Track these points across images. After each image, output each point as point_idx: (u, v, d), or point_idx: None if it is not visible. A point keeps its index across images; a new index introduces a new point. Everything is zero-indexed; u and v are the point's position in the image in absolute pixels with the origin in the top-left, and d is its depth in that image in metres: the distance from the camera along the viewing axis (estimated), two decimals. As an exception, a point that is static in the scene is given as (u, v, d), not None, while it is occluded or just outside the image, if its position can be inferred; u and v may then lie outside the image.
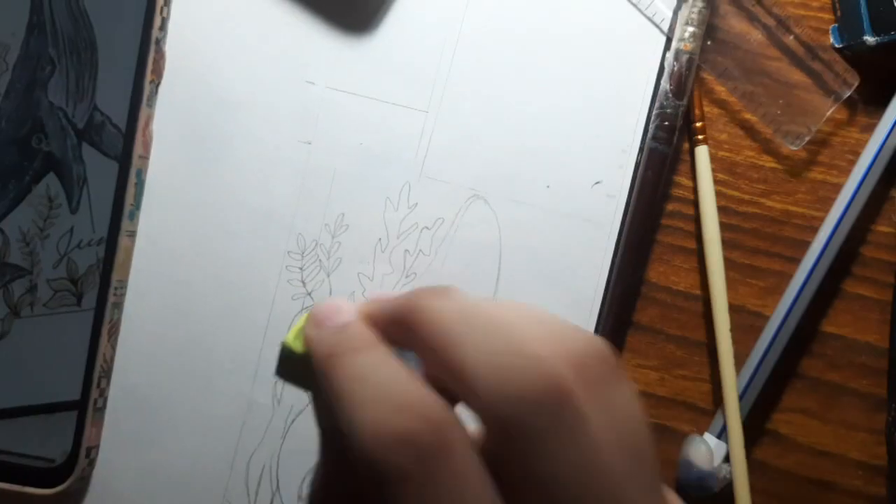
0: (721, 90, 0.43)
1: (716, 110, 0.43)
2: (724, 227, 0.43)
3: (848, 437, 0.42)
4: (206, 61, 0.42)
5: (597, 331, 0.42)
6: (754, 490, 0.40)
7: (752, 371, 0.41)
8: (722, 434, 0.41)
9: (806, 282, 0.41)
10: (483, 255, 0.42)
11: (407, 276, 0.42)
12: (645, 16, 0.42)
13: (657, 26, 0.42)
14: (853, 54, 0.42)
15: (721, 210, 0.43)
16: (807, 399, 0.43)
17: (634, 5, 0.42)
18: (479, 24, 0.42)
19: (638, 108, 0.42)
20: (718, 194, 0.43)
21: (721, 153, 0.43)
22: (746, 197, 0.43)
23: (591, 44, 0.42)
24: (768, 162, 0.43)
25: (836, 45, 0.42)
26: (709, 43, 0.42)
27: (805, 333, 0.43)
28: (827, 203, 0.43)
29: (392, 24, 0.42)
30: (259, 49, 0.42)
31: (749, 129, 0.43)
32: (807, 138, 0.42)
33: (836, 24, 0.42)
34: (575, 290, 0.42)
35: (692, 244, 0.43)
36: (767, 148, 0.43)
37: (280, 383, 0.42)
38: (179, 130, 0.42)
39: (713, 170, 0.42)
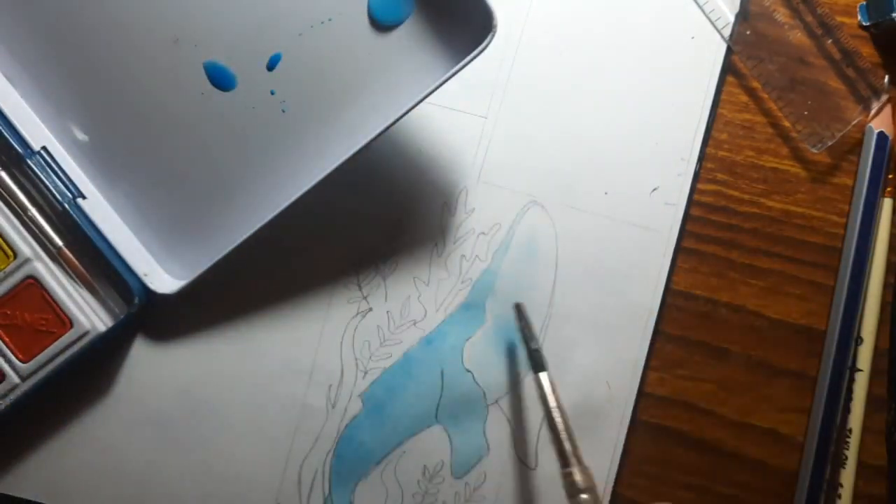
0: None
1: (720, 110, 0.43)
2: (724, 227, 0.43)
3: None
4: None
5: (653, 338, 0.42)
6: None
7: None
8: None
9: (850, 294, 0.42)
10: (540, 261, 0.42)
11: (463, 282, 0.43)
12: (709, 19, 0.42)
13: (719, 32, 0.42)
14: (880, 32, 0.43)
15: (721, 210, 0.43)
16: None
17: (700, 7, 0.42)
18: (539, 31, 0.43)
19: (697, 116, 0.42)
20: (718, 194, 0.43)
21: (721, 153, 0.43)
22: (746, 197, 0.43)
23: (650, 52, 0.43)
24: (768, 162, 0.43)
25: (864, 24, 0.43)
26: (748, 33, 0.42)
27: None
28: (827, 203, 0.43)
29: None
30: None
31: (750, 129, 0.43)
32: (829, 143, 0.42)
33: (864, 3, 0.43)
34: (631, 297, 0.42)
35: (692, 244, 0.43)
36: (766, 148, 0.43)
37: (334, 388, 0.42)
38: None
39: (712, 169, 0.43)
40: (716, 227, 0.43)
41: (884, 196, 0.42)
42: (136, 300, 0.40)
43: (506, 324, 0.42)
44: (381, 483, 0.42)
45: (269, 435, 0.42)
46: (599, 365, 0.42)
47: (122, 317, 0.41)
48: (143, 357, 0.42)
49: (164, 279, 0.41)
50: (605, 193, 0.42)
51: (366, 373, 0.42)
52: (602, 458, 0.42)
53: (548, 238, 0.42)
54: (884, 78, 0.42)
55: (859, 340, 0.42)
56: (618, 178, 0.42)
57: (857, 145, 0.43)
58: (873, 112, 0.42)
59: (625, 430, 0.42)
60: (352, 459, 0.42)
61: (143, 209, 0.41)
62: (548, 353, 0.42)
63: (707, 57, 0.43)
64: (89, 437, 0.42)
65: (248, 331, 0.42)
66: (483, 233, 0.43)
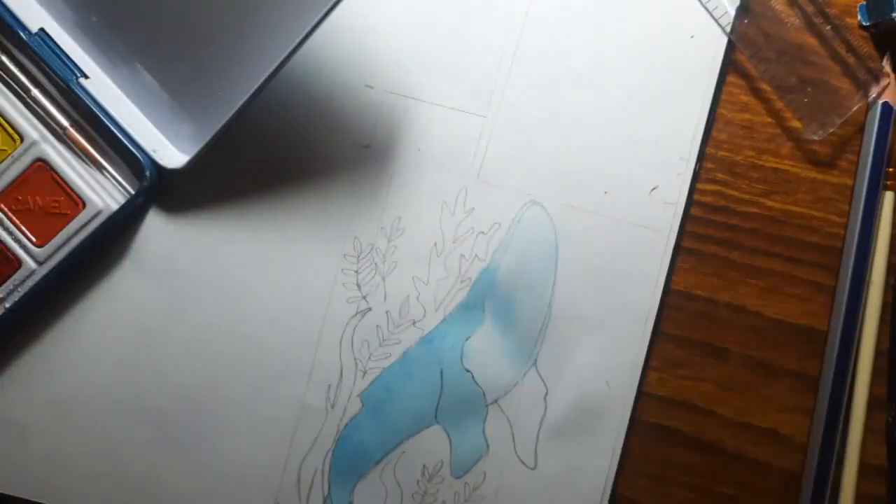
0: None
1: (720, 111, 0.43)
2: (724, 227, 0.43)
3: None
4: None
5: (653, 338, 0.42)
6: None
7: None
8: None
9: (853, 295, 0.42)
10: (539, 260, 0.42)
11: (462, 282, 0.42)
12: (711, 15, 0.42)
13: (717, 21, 0.42)
14: (880, 33, 0.43)
15: (721, 210, 0.43)
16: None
17: (703, 5, 0.42)
18: (538, 29, 0.43)
19: (697, 116, 0.42)
20: (718, 194, 0.43)
21: (721, 153, 0.43)
22: (746, 197, 0.43)
23: (650, 52, 0.43)
24: (768, 162, 0.43)
25: (864, 24, 0.43)
26: (745, 21, 0.42)
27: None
28: (827, 203, 0.43)
29: (451, 29, 0.42)
30: (319, 52, 0.42)
31: (750, 129, 0.43)
32: (830, 130, 0.42)
33: (864, 3, 0.43)
34: (631, 297, 0.42)
35: (692, 244, 0.43)
36: (766, 148, 0.43)
37: (334, 388, 0.42)
38: (238, 133, 0.42)
39: (712, 169, 0.43)
40: (716, 227, 0.43)
41: (885, 189, 0.42)
42: (147, 174, 0.39)
43: (505, 324, 0.42)
44: (381, 483, 0.42)
45: (269, 434, 0.42)
46: (599, 365, 0.42)
47: (133, 193, 0.40)
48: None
49: (173, 153, 0.40)
50: (605, 193, 0.42)
51: (365, 372, 0.42)
52: (602, 458, 0.42)
53: (547, 238, 0.42)
54: (882, 61, 0.42)
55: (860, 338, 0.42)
56: (617, 178, 0.42)
57: (857, 144, 0.43)
58: (873, 96, 0.42)
59: (625, 430, 0.42)
60: (351, 459, 0.42)
61: (145, 85, 0.41)
62: (547, 353, 0.42)
63: (707, 56, 0.43)
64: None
65: (246, 330, 0.42)
66: (482, 232, 0.42)
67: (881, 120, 0.42)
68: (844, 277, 0.42)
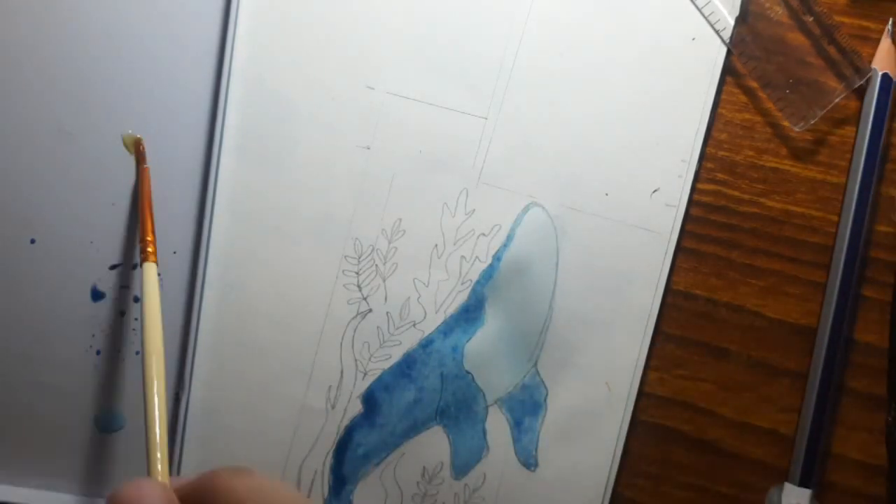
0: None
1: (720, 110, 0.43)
2: (723, 226, 0.43)
3: (848, 436, 0.42)
4: (268, 65, 0.42)
5: (653, 338, 0.42)
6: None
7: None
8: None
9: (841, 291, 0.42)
10: (540, 262, 0.42)
11: (463, 283, 0.43)
12: (708, 22, 0.42)
13: (719, 34, 0.42)
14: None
15: (721, 210, 0.43)
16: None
17: (698, 9, 0.42)
18: (540, 32, 0.42)
19: (698, 118, 0.42)
20: (717, 194, 0.43)
21: (721, 153, 0.43)
22: (746, 197, 0.43)
23: (651, 53, 0.42)
24: (768, 162, 0.43)
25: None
26: (746, 33, 0.42)
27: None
28: (827, 203, 0.43)
29: (453, 31, 0.42)
30: (320, 54, 0.42)
31: (749, 129, 0.43)
32: (812, 121, 0.42)
33: None
34: (632, 297, 0.42)
35: (692, 244, 0.43)
36: (766, 148, 0.43)
37: (334, 389, 0.42)
38: (240, 134, 0.42)
39: (712, 169, 0.43)
40: (716, 227, 0.43)
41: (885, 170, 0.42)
42: None
43: (506, 325, 0.42)
44: (381, 484, 0.42)
45: (269, 436, 0.42)
46: (600, 366, 0.42)
47: None
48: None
49: None
50: (606, 195, 0.42)
51: (365, 374, 0.42)
52: (602, 458, 0.42)
53: (548, 239, 0.42)
54: (869, 63, 0.42)
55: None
56: (618, 180, 0.42)
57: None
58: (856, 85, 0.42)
59: (625, 430, 0.42)
60: (351, 460, 0.42)
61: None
62: (548, 354, 0.42)
63: (708, 58, 0.42)
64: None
65: (247, 331, 0.42)
66: (483, 234, 0.42)
67: (881, 90, 0.41)
68: (837, 265, 0.42)
